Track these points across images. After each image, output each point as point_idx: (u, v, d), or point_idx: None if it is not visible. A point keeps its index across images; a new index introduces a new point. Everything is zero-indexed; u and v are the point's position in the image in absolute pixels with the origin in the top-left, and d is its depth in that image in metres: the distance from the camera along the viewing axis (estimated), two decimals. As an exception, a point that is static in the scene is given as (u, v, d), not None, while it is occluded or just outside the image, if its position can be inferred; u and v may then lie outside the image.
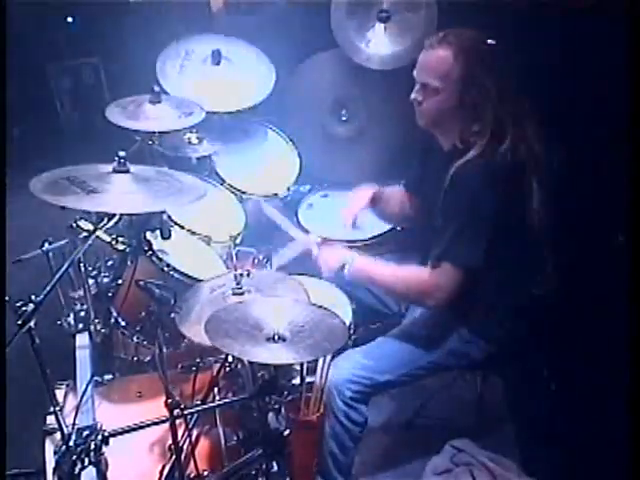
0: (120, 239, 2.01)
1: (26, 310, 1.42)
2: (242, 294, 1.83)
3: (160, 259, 2.06)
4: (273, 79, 2.79)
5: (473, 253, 1.86)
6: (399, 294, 2.08)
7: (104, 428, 1.58)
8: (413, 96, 1.95)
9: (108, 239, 2.01)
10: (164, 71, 2.72)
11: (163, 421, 1.60)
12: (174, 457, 1.67)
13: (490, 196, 1.83)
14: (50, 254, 1.96)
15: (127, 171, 1.73)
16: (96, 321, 2.06)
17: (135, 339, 2.09)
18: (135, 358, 2.16)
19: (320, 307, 1.68)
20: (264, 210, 2.45)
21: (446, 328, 2.04)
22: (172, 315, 1.77)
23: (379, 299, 2.32)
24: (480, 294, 1.96)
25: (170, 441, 1.66)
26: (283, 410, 1.67)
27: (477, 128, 1.87)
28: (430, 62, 1.89)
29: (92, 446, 1.53)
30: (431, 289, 1.91)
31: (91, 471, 1.55)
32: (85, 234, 1.87)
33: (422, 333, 2.06)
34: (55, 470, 1.56)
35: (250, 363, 1.80)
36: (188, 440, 1.71)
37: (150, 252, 2.03)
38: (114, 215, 1.74)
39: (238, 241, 2.55)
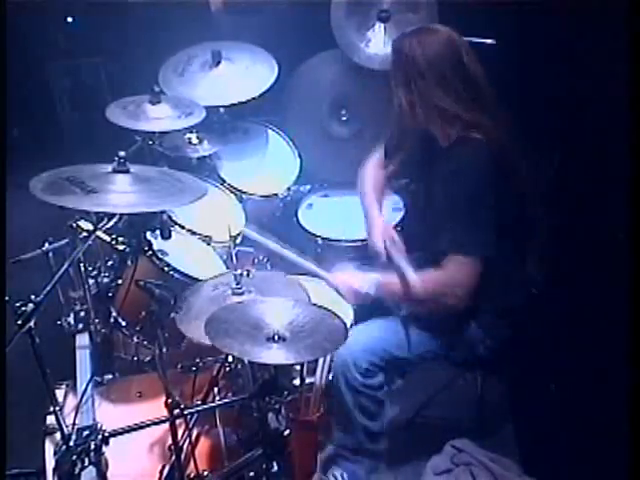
0: (120, 239, 2.01)
1: (26, 310, 1.42)
2: (242, 294, 1.83)
3: (160, 259, 2.06)
4: (275, 74, 2.77)
5: (483, 239, 1.85)
6: (423, 301, 1.96)
7: (104, 428, 1.58)
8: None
9: (108, 239, 2.01)
10: (166, 77, 2.72)
11: (163, 421, 1.60)
12: (174, 457, 1.67)
13: (491, 183, 1.85)
14: (50, 254, 1.96)
15: (127, 171, 1.73)
16: (96, 321, 2.06)
17: (135, 339, 2.09)
18: (135, 358, 2.16)
19: (320, 307, 1.68)
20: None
21: (456, 322, 2.03)
22: (172, 315, 1.77)
23: None
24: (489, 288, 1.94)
25: (170, 441, 1.66)
26: (283, 410, 1.67)
27: (472, 119, 1.89)
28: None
29: (92, 446, 1.53)
30: (448, 286, 1.87)
31: (91, 471, 1.55)
32: (85, 234, 1.87)
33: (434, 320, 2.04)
34: (55, 470, 1.56)
35: (250, 363, 1.80)
36: (188, 440, 1.71)
37: (150, 252, 2.03)
38: (114, 215, 1.74)
39: (238, 241, 2.55)
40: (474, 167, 1.87)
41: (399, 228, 2.62)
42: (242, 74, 2.78)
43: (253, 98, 2.72)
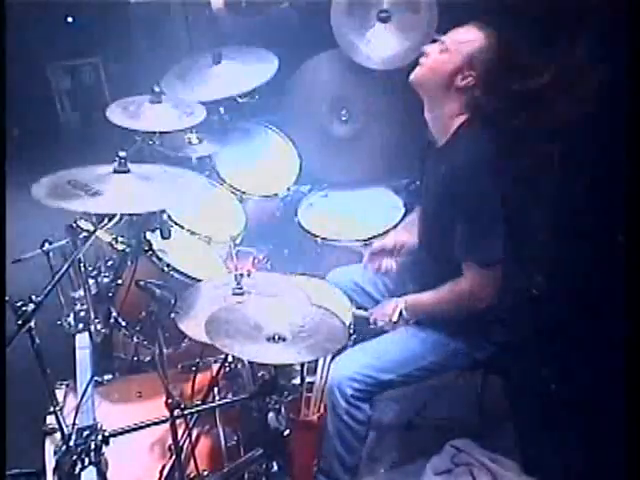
0: (120, 239, 2.01)
1: (26, 310, 1.41)
2: (242, 294, 1.83)
3: (160, 259, 2.06)
4: (275, 66, 2.76)
5: (495, 244, 1.87)
6: (455, 312, 1.99)
7: (104, 428, 1.57)
8: None
9: (108, 239, 2.02)
10: (169, 82, 2.73)
11: (163, 421, 1.60)
12: (174, 457, 1.67)
13: (493, 186, 1.86)
14: (50, 254, 1.96)
15: (127, 171, 1.73)
16: (96, 321, 2.06)
17: (135, 339, 2.09)
18: (135, 358, 2.16)
19: (320, 307, 1.68)
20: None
21: (454, 331, 2.04)
22: (172, 315, 1.77)
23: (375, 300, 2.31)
24: None
25: (170, 441, 1.66)
26: (283, 410, 1.67)
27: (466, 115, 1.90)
28: None
29: (92, 446, 1.53)
30: (475, 294, 1.91)
31: (91, 471, 1.54)
32: (85, 234, 1.87)
33: (428, 334, 2.06)
34: (55, 470, 1.56)
35: (250, 363, 1.80)
36: (188, 440, 1.71)
37: (150, 252, 2.03)
38: (114, 215, 1.74)
39: (238, 241, 2.55)
40: (475, 165, 1.86)
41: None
42: (242, 70, 2.78)
43: (253, 90, 2.71)
